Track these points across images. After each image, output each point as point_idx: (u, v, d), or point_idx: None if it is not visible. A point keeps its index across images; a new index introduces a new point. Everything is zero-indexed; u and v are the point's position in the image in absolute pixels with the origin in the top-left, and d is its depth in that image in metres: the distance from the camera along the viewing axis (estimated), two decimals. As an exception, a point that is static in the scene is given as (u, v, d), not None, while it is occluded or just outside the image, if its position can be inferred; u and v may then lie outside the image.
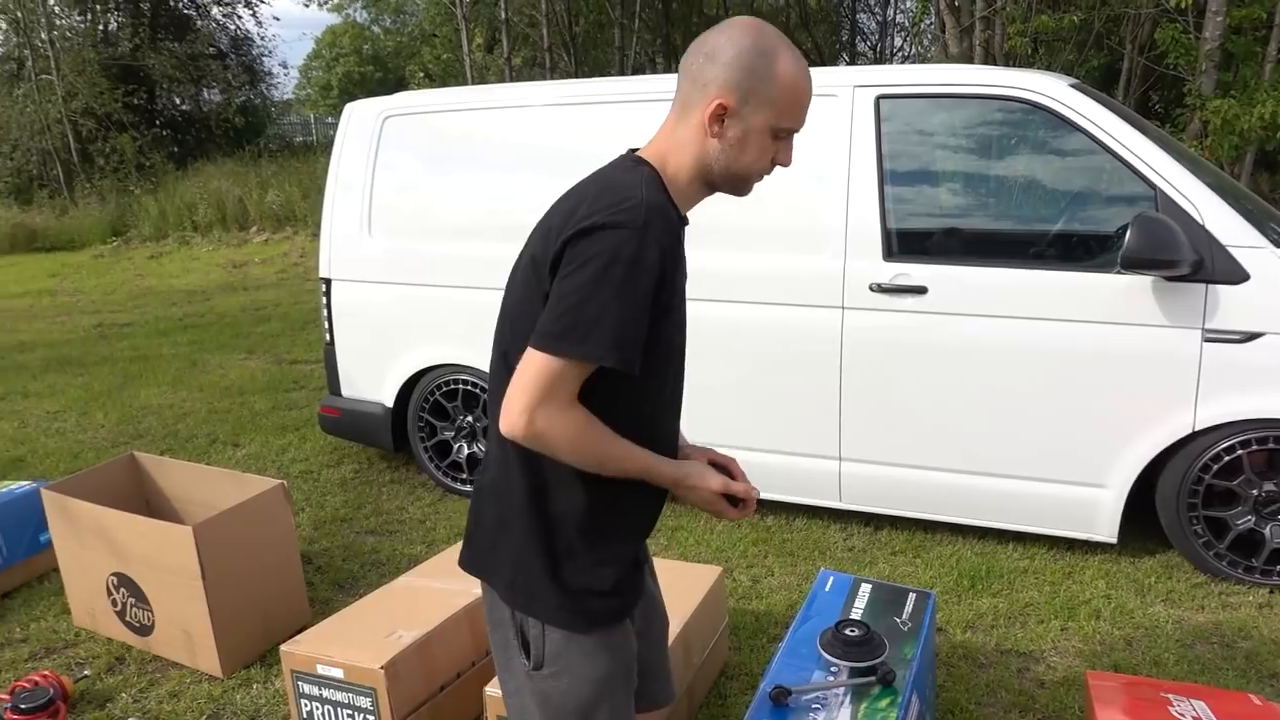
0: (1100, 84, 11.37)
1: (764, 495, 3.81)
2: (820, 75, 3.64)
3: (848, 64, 28.62)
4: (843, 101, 3.46)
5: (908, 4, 25.70)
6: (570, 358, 1.30)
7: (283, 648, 2.53)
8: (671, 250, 1.36)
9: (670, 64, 24.77)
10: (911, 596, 2.55)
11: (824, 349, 3.52)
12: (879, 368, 3.47)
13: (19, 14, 16.03)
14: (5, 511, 3.51)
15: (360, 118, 4.30)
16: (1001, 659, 2.88)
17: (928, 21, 17.69)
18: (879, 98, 3.44)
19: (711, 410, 3.75)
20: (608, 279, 1.29)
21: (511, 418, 1.34)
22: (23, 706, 2.59)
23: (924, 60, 17.89)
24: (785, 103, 1.39)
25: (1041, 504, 3.39)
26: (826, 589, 2.59)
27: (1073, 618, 3.08)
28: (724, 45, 1.38)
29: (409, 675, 2.44)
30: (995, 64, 10.76)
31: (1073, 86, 3.33)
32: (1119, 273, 3.10)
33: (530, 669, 1.48)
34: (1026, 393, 3.29)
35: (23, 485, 3.67)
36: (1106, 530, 3.32)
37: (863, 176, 3.43)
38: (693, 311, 3.65)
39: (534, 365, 1.32)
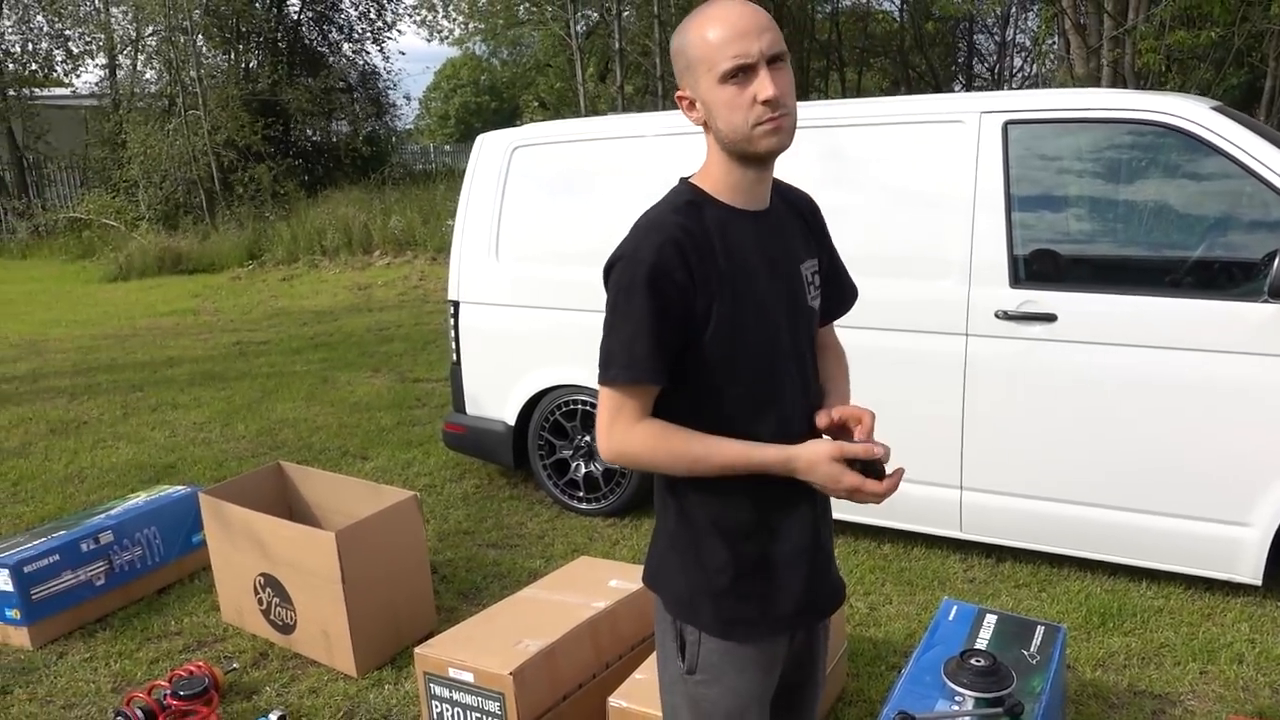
0: (1240, 103, 10.85)
1: (882, 523, 3.78)
2: (947, 101, 3.64)
3: (963, 86, 28.04)
4: (969, 128, 3.44)
5: (1029, 23, 25.05)
6: (606, 384, 1.45)
7: (417, 650, 2.65)
8: (687, 250, 1.40)
9: (781, 90, 24.74)
10: (1040, 629, 2.49)
11: (947, 376, 3.48)
12: (1004, 396, 3.41)
13: (172, 55, 17.25)
14: (163, 513, 3.78)
15: (490, 149, 4.49)
16: (1135, 700, 2.78)
17: (1051, 41, 17.21)
18: (1007, 123, 3.41)
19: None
20: (615, 309, 1.44)
21: (598, 445, 1.49)
22: (182, 693, 2.78)
23: (1046, 82, 17.40)
24: (705, 54, 1.40)
25: (1178, 541, 3.26)
26: (950, 618, 2.57)
27: (1212, 661, 2.95)
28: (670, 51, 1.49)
29: (535, 682, 2.52)
30: (1125, 84, 10.40)
31: (1214, 109, 3.23)
32: (1266, 301, 2.98)
33: (684, 672, 1.53)
34: (1163, 425, 3.18)
35: (179, 489, 3.95)
36: (1250, 571, 3.17)
37: (989, 202, 3.40)
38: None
39: (600, 396, 1.48)
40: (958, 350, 3.45)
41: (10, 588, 3.29)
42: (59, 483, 5.04)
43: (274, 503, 3.60)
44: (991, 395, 3.42)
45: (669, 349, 1.42)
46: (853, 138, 3.69)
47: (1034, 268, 3.40)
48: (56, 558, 3.39)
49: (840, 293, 1.75)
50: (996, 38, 28.09)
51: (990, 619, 2.55)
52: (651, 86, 19.84)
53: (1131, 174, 3.45)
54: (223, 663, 3.18)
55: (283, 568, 3.16)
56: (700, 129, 1.48)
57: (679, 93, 1.48)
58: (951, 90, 27.71)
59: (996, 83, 27.60)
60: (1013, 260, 3.37)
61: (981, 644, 2.43)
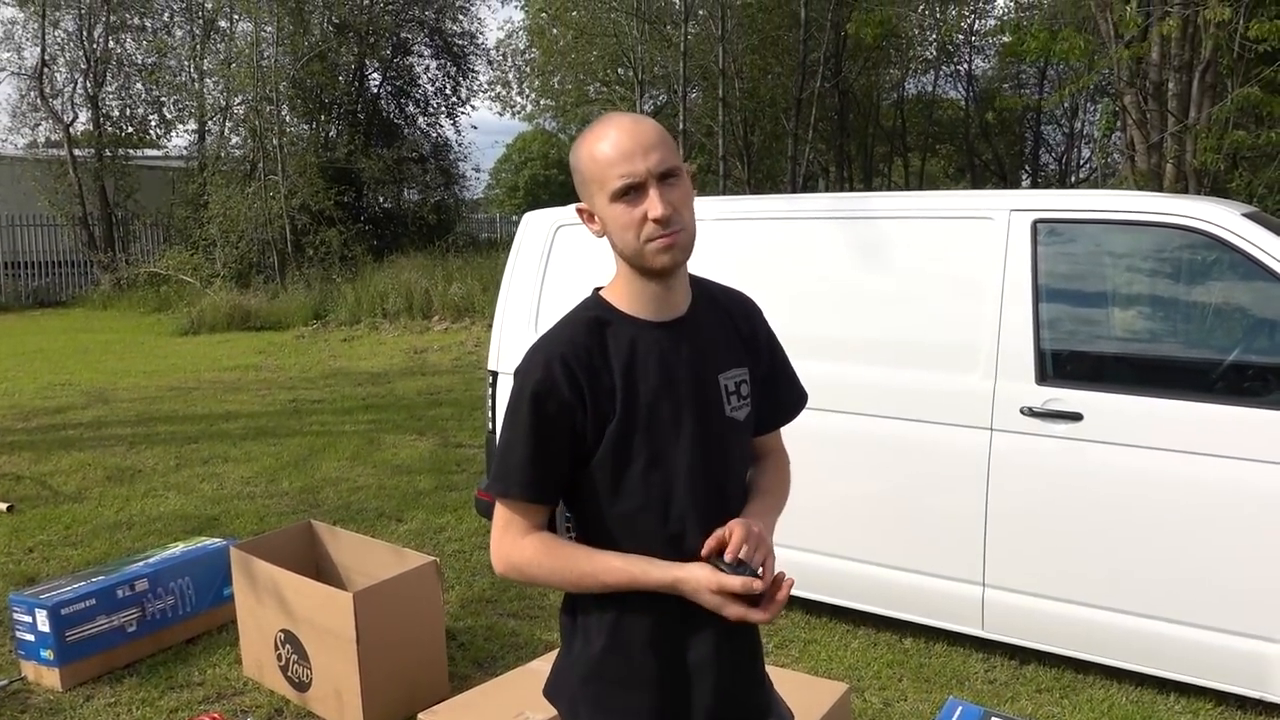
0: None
1: (902, 616, 3.73)
2: (977, 198, 3.70)
3: (1029, 177, 27.96)
4: (998, 225, 3.49)
5: (1097, 116, 25.06)
6: (495, 498, 1.51)
7: (421, 715, 2.69)
8: (576, 369, 1.43)
9: (843, 174, 25.07)
10: (1046, 736, 2.44)
11: (970, 470, 3.46)
12: (1028, 493, 3.38)
13: (257, 123, 18.16)
14: (198, 564, 3.90)
15: (536, 226, 4.65)
16: (1151, 818, 2.68)
17: (1116, 136, 17.21)
18: (1036, 221, 3.45)
19: (849, 525, 3.74)
20: (504, 423, 1.49)
21: (492, 557, 1.53)
22: (193, 744, 2.86)
23: (1110, 175, 17.32)
24: (595, 171, 1.43)
25: (1207, 654, 3.16)
26: (954, 718, 2.53)
27: (1238, 782, 2.83)
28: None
29: (533, 757, 2.54)
30: (1186, 181, 10.32)
31: (1247, 215, 3.23)
32: (1295, 411, 2.93)
33: None
34: (1191, 532, 3.12)
35: (215, 542, 4.08)
36: (1281, 689, 3.06)
37: (1017, 299, 3.42)
38: (834, 423, 3.69)
39: (495, 509, 1.53)
40: (982, 444, 3.44)
41: (47, 629, 3.42)
42: (108, 528, 5.23)
43: (302, 560, 3.70)
44: (1016, 491, 3.40)
45: (550, 467, 1.45)
46: (884, 230, 3.76)
47: (1061, 366, 3.40)
48: (93, 602, 3.52)
49: (779, 400, 1.67)
50: (1065, 129, 28.13)
51: (995, 722, 2.51)
52: (714, 166, 20.24)
53: (1161, 276, 3.45)
54: (238, 716, 3.25)
55: (302, 625, 3.24)
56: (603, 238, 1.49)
57: (579, 205, 1.51)
58: (1019, 180, 27.69)
59: (1063, 175, 27.53)
60: (1039, 357, 3.38)
61: (983, 748, 2.39)
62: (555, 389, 1.43)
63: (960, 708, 2.57)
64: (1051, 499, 3.33)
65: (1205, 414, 3.09)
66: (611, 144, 1.41)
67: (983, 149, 27.95)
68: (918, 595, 3.65)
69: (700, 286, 1.60)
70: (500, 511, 1.50)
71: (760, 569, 1.39)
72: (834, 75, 21.93)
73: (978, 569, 3.50)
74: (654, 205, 1.40)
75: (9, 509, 5.47)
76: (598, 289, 1.55)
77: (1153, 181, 10.96)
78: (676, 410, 1.49)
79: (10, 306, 17.95)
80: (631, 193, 1.41)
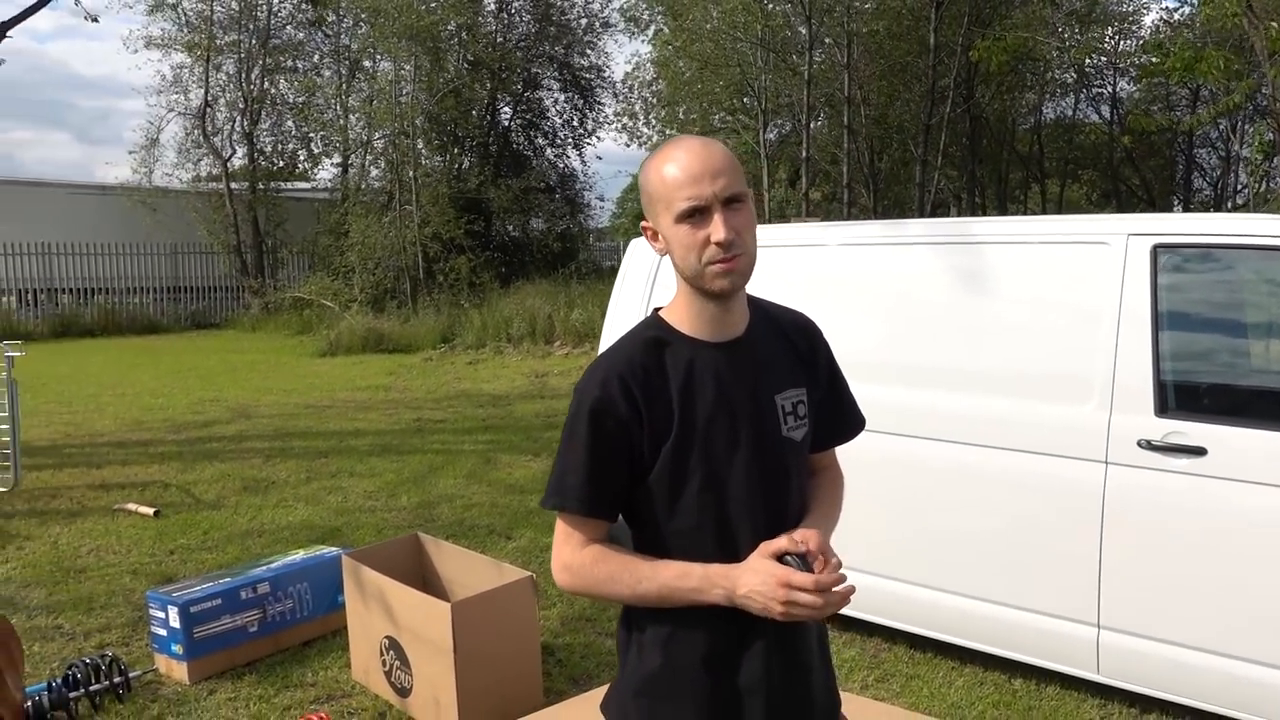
0: None
1: (1010, 655, 3.58)
2: (1092, 223, 3.56)
3: (1180, 203, 26.44)
4: (1115, 250, 3.34)
5: (1251, 138, 23.56)
6: (553, 510, 1.53)
7: (509, 726, 2.75)
8: (633, 386, 1.46)
9: (974, 200, 24.35)
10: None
11: (1084, 505, 3.30)
12: (1147, 531, 3.20)
13: (395, 156, 19.12)
14: (316, 572, 4.11)
15: (641, 251, 4.73)
16: None
17: (1275, 159, 16.11)
18: (1156, 246, 3.29)
19: (957, 558, 3.62)
20: (563, 438, 1.52)
21: (553, 574, 1.55)
22: (299, 740, 3.01)
23: (1266, 200, 16.23)
24: (664, 193, 1.46)
25: (1350, 712, 2.91)
26: (1052, 762, 2.41)
27: None
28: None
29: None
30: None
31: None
32: None
33: None
34: (1329, 578, 2.88)
35: (333, 550, 4.29)
36: None
37: (1134, 328, 3.26)
38: (943, 453, 3.60)
39: (556, 523, 1.56)
40: (1097, 478, 3.28)
41: (178, 625, 3.67)
42: (240, 535, 5.56)
43: (409, 571, 3.84)
44: (1133, 529, 3.22)
45: (607, 483, 1.48)
46: (997, 256, 3.65)
47: (1183, 398, 3.21)
48: (219, 602, 3.76)
49: (837, 421, 1.70)
50: (1220, 152, 26.52)
51: (1097, 770, 2.37)
52: (839, 194, 20.03)
53: (1293, 304, 3.23)
54: (343, 718, 3.40)
55: (405, 633, 3.37)
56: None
57: (644, 223, 1.55)
58: (1169, 206, 26.25)
59: (1218, 201, 25.93)
60: (1159, 388, 3.20)
61: (1082, 795, 2.27)
62: (613, 406, 1.46)
63: (1059, 752, 2.45)
64: (1172, 537, 3.14)
65: (1346, 451, 2.87)
66: (680, 166, 1.45)
67: (1129, 174, 26.63)
68: (1028, 634, 3.49)
69: (758, 307, 1.62)
70: (560, 525, 1.54)
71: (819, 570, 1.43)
72: (965, 100, 21.41)
73: (1092, 608, 3.33)
74: (717, 229, 1.43)
75: (155, 514, 5.90)
76: (657, 309, 1.58)
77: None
78: (733, 430, 1.51)
79: (171, 328, 19.41)
80: (696, 215, 1.44)
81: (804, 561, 1.42)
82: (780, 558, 1.43)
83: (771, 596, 1.40)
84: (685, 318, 1.53)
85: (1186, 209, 25.72)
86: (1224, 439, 3.06)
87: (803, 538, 1.45)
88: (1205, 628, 3.10)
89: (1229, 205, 25.21)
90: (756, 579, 1.41)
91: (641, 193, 1.54)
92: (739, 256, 1.45)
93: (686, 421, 1.48)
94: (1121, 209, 24.73)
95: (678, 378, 1.49)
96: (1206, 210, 24.76)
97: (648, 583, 1.47)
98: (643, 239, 4.84)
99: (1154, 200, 25.86)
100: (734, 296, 1.51)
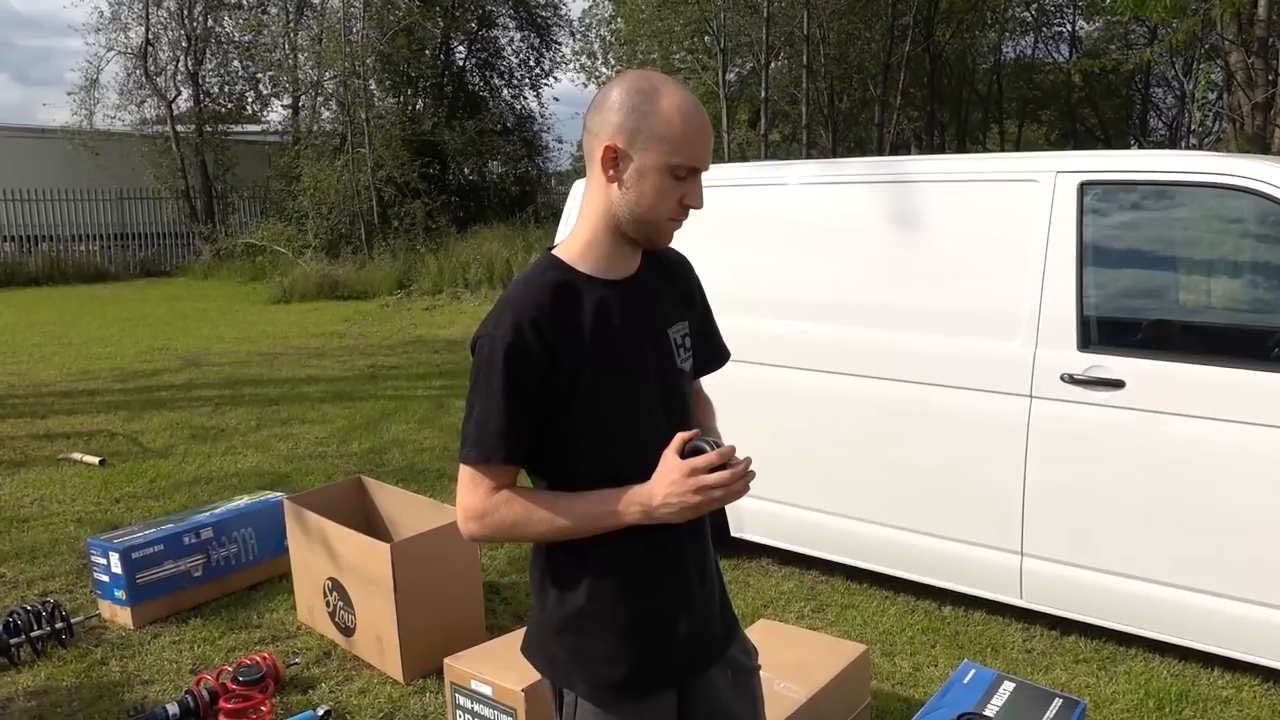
0: None
1: (941, 584, 3.70)
2: (1020, 160, 3.60)
3: (1136, 142, 26.67)
4: (1043, 187, 3.39)
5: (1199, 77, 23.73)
6: (463, 461, 1.50)
7: (446, 660, 2.82)
8: (545, 328, 1.44)
9: (934, 141, 24.36)
10: (1057, 702, 2.42)
11: (1008, 438, 3.40)
12: (1068, 462, 3.30)
13: (346, 97, 18.66)
14: (260, 516, 4.12)
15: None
16: (1175, 792, 2.62)
17: (1214, 98, 16.21)
18: (1083, 184, 3.34)
19: (887, 491, 3.72)
20: (474, 387, 1.48)
21: (459, 523, 1.53)
22: (241, 679, 3.05)
23: (1209, 138, 16.42)
24: (674, 137, 1.43)
25: (1254, 629, 3.05)
26: (965, 680, 2.52)
27: (1273, 761, 2.74)
28: (611, 94, 1.46)
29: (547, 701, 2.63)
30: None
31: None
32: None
33: None
34: (1239, 503, 3.00)
35: (277, 495, 4.29)
36: (1330, 669, 2.94)
37: (1060, 264, 3.32)
38: (873, 389, 3.67)
39: (459, 474, 1.52)
40: (1021, 412, 3.37)
41: (119, 571, 3.67)
42: (188, 483, 5.54)
43: (353, 514, 3.87)
44: (1055, 460, 3.32)
45: (524, 428, 1.46)
46: (927, 194, 3.69)
47: (1104, 332, 3.30)
48: (160, 547, 3.76)
49: (709, 353, 1.75)
50: (1175, 91, 26.69)
51: (1007, 686, 2.49)
52: (798, 135, 19.93)
53: (1211, 239, 3.30)
54: (288, 657, 3.44)
55: (347, 574, 3.40)
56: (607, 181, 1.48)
57: (610, 140, 1.45)
58: (1126, 145, 26.46)
59: (1173, 139, 26.16)
60: (1082, 323, 3.28)
61: (991, 710, 2.38)
62: (527, 349, 1.44)
63: (973, 670, 2.56)
64: (1092, 468, 3.25)
65: (1252, 381, 2.97)
66: (697, 124, 1.45)
67: (1087, 114, 26.74)
68: (955, 563, 3.61)
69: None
70: (467, 473, 1.50)
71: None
72: (925, 39, 21.29)
73: (1016, 538, 3.44)
74: (696, 197, 1.49)
75: (101, 462, 5.85)
76: (549, 248, 1.59)
77: (1257, 145, 10.38)
78: (641, 364, 1.54)
79: (119, 276, 18.97)
80: (685, 174, 1.47)
81: (712, 445, 1.44)
82: (687, 447, 1.45)
83: (683, 489, 1.42)
84: (587, 257, 1.53)
85: (1141, 148, 25.96)
86: (1141, 372, 3.15)
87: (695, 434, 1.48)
88: (1123, 554, 3.23)
89: (1183, 144, 25.45)
90: (665, 480, 1.44)
91: (626, 114, 1.44)
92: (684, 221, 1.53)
93: (599, 359, 1.49)
94: (1079, 148, 24.85)
95: (586, 317, 1.49)
96: (1161, 149, 24.96)
97: (564, 515, 1.48)
98: (584, 180, 4.83)
99: (1109, 140, 26.03)
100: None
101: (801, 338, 3.90)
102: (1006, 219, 3.46)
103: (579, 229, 1.55)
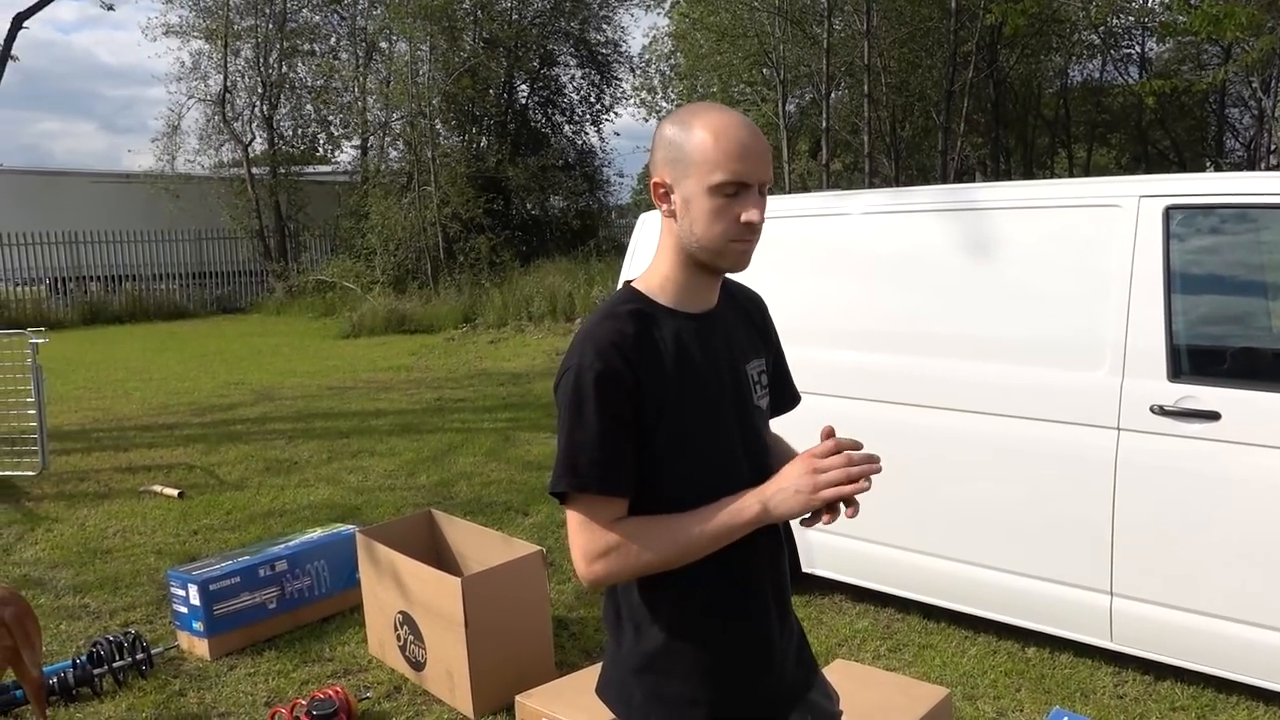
0: None
1: (1024, 623, 3.56)
2: (1101, 185, 3.49)
3: (1211, 163, 25.90)
4: (1126, 212, 3.28)
5: (1281, 95, 22.97)
6: (569, 500, 1.43)
7: (518, 697, 2.79)
8: (631, 356, 1.41)
9: (1000, 167, 23.98)
10: (1158, 753, 2.28)
11: (1095, 471, 3.27)
12: (1161, 497, 3.16)
13: (413, 137, 19.13)
14: (332, 549, 4.16)
15: (651, 225, 4.71)
16: None
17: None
18: (1169, 208, 3.22)
19: (968, 527, 3.60)
20: (568, 421, 1.42)
21: (576, 566, 1.46)
22: (315, 713, 3.06)
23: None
24: (709, 158, 1.41)
25: (1367, 677, 2.87)
26: (1058, 729, 2.40)
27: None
28: (657, 132, 1.48)
29: (621, 743, 2.58)
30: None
31: None
32: None
33: None
34: (1346, 542, 2.84)
35: (350, 528, 4.34)
36: None
37: (1146, 291, 3.20)
38: (952, 423, 3.57)
39: (568, 517, 1.45)
40: (1109, 445, 3.24)
41: (198, 603, 3.73)
42: (263, 515, 5.64)
43: (423, 547, 3.88)
44: (1147, 496, 3.18)
45: (627, 456, 1.42)
46: (1003, 221, 3.60)
47: (1196, 362, 3.16)
48: (237, 579, 3.82)
49: (783, 393, 1.72)
50: (1254, 111, 25.88)
51: (1103, 736, 2.36)
52: (860, 164, 19.80)
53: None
54: (360, 691, 3.45)
55: (418, 608, 3.41)
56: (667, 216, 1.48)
57: (656, 179, 1.48)
58: (1201, 168, 25.72)
59: (1252, 161, 25.35)
60: (1172, 352, 3.15)
61: (1087, 761, 2.26)
62: (617, 376, 1.40)
63: (1065, 718, 2.44)
64: (1186, 504, 3.10)
65: (1363, 413, 2.81)
66: (735, 140, 1.42)
67: (1158, 136, 26.08)
68: (1041, 602, 3.47)
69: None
70: (575, 517, 1.44)
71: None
72: (989, 65, 21.04)
73: (1105, 577, 3.30)
74: (754, 211, 1.43)
75: (180, 495, 6.00)
76: (628, 282, 1.57)
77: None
78: (721, 399, 1.52)
79: (197, 313, 19.64)
80: (737, 192, 1.43)
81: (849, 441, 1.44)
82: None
83: (802, 476, 1.40)
84: (666, 289, 1.51)
85: (1219, 170, 25.18)
86: (1238, 402, 3.01)
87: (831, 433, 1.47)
88: (1220, 594, 3.07)
89: (1263, 165, 24.62)
90: (785, 475, 1.42)
91: (666, 148, 1.46)
92: (755, 240, 1.47)
93: (682, 390, 1.46)
94: (1151, 172, 24.20)
95: (668, 348, 1.47)
96: (1239, 171, 24.18)
97: (687, 533, 1.42)
98: (651, 214, 4.84)
99: (1184, 163, 25.30)
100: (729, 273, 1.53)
101: (873, 369, 3.82)
102: (1087, 245, 3.36)
103: (656, 264, 1.54)
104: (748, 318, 1.64)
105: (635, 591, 1.52)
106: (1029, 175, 24.81)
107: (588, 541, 1.42)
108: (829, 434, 1.45)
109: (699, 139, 1.43)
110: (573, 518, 1.44)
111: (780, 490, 1.41)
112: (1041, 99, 25.97)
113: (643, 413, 1.43)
